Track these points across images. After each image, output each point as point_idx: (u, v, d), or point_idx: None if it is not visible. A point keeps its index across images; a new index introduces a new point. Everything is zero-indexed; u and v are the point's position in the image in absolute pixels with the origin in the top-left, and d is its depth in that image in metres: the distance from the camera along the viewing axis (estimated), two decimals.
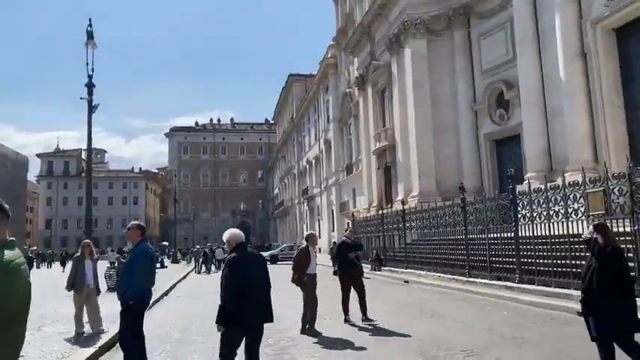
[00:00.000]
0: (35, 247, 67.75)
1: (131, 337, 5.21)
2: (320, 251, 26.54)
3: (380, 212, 23.93)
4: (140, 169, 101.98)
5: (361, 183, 34.30)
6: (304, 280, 8.23)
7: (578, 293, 10.06)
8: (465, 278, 13.94)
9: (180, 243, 73.33)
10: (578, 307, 9.34)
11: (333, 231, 44.18)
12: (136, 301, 5.17)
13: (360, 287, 9.11)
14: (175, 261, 42.08)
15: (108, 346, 7.31)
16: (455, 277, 14.51)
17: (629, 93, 16.01)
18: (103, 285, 14.08)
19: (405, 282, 16.63)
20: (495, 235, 13.04)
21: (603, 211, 9.35)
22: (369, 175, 32.02)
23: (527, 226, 11.82)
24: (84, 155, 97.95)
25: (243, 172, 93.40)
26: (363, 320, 8.77)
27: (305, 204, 57.16)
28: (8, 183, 77.67)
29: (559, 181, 11.17)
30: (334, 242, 29.96)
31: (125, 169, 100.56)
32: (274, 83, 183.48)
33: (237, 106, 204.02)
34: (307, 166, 56.99)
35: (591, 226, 4.63)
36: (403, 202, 20.84)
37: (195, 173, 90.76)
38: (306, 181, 57.63)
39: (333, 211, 45.03)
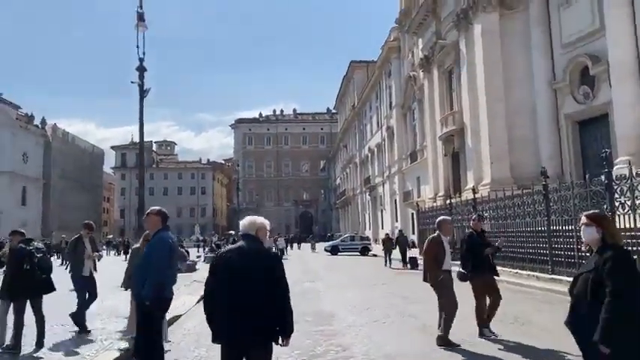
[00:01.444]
0: (111, 236, 71.46)
1: (146, 345, 4.37)
2: (377, 242, 25.33)
3: (447, 202, 22.27)
4: (208, 160, 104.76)
5: (426, 171, 32.56)
6: (441, 278, 6.48)
7: None
8: (547, 275, 12.26)
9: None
10: None
11: (397, 221, 42.68)
12: (153, 301, 4.31)
13: (496, 294, 6.96)
14: None
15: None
16: (535, 273, 12.85)
17: None
18: None
19: None
20: None
21: None
22: (435, 162, 30.24)
23: (625, 217, 10.02)
24: (154, 147, 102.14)
25: (306, 161, 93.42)
26: (480, 335, 6.82)
27: (367, 194, 55.88)
28: (86, 174, 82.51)
29: None
30: (400, 231, 28.81)
31: (194, 160, 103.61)
32: (337, 72, 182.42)
33: (300, 97, 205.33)
34: (369, 154, 55.58)
35: (583, 217, 3.23)
36: (474, 191, 19.13)
37: (259, 164, 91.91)
38: (368, 170, 56.29)
39: (396, 200, 43.49)
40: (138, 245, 7.38)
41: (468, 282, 6.92)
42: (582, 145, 20.80)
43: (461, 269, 6.86)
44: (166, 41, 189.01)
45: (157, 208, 4.93)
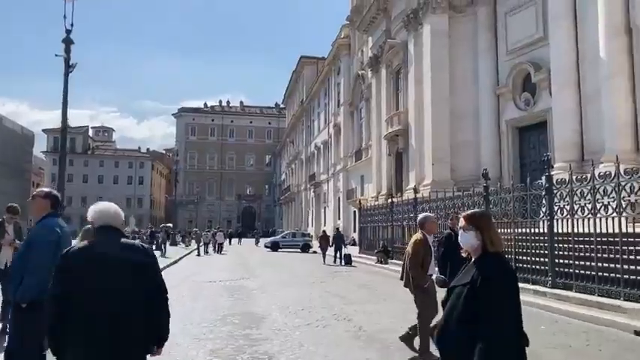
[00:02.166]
0: None
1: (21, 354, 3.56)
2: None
3: (389, 201, 22.15)
4: (148, 149, 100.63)
5: (370, 170, 32.53)
6: (427, 285, 5.63)
7: (632, 305, 8.33)
8: None
9: (185, 225, 72.44)
10: (632, 323, 7.62)
11: (339, 219, 42.54)
12: (30, 304, 3.50)
13: None
14: (174, 243, 40.68)
15: None
16: None
17: None
18: None
19: None
20: (523, 231, 11.24)
21: None
22: (379, 161, 30.21)
23: (564, 221, 10.01)
24: (91, 132, 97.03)
25: (251, 156, 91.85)
26: None
27: (311, 190, 55.50)
28: (13, 157, 76.89)
29: (595, 172, 9.36)
30: (337, 229, 28.46)
31: (132, 148, 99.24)
32: (287, 66, 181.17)
33: (248, 90, 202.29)
34: (315, 151, 55.20)
35: (461, 218, 2.56)
36: (415, 191, 19.03)
37: (202, 155, 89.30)
38: (314, 167, 55.92)
39: (339, 198, 43.33)
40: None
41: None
42: (521, 151, 21.25)
43: (439, 274, 5.85)
44: (113, 23, 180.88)
45: (47, 189, 4.09)
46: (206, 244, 32.08)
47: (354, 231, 34.19)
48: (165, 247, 27.20)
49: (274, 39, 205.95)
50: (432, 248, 5.85)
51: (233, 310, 8.92)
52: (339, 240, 22.65)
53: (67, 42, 13.21)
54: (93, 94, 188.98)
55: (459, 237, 2.54)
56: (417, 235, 5.89)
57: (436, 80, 23.10)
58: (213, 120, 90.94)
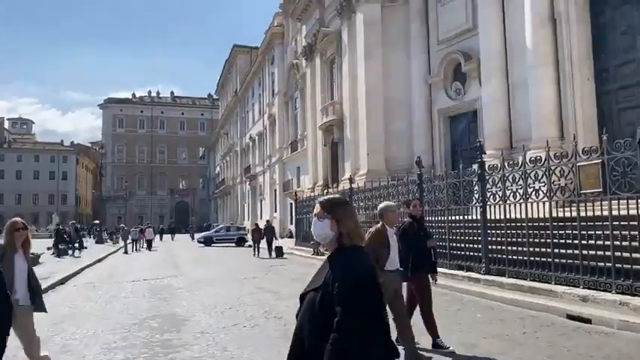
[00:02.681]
0: None
1: None
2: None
3: (325, 192, 21.82)
4: (72, 142, 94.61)
5: (306, 161, 32.09)
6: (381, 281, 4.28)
7: (563, 289, 8.38)
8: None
9: (115, 222, 68.81)
10: (564, 307, 7.62)
11: (276, 212, 41.89)
12: None
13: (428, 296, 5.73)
14: (100, 241, 38.41)
15: None
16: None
17: (601, 65, 14.56)
18: None
19: None
20: (457, 218, 11.17)
21: (600, 189, 7.57)
22: (315, 152, 29.84)
23: (496, 207, 9.99)
24: (6, 124, 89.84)
25: (184, 148, 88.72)
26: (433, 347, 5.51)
27: (247, 183, 54.37)
28: None
29: (520, 159, 9.42)
30: (267, 221, 27.76)
31: (54, 141, 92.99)
32: (220, 57, 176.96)
33: (180, 82, 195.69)
34: (250, 142, 54.03)
35: (317, 204, 2.07)
36: (351, 181, 18.78)
37: (130, 148, 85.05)
38: (249, 159, 54.76)
39: (275, 190, 42.64)
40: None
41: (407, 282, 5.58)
42: (453, 140, 21.55)
43: (399, 267, 5.22)
44: (30, 11, 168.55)
45: None
46: (134, 241, 30.47)
47: (291, 223, 33.69)
48: (76, 246, 24.87)
49: (208, 28, 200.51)
50: (394, 240, 5.16)
51: (153, 312, 8.11)
52: (270, 232, 22.98)
53: None
54: (11, 87, 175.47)
55: (312, 225, 2.05)
56: (375, 227, 5.22)
57: (369, 69, 22.94)
58: (142, 111, 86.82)
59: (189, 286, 11.40)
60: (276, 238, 23.52)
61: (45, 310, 4.35)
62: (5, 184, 79.93)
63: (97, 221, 63.76)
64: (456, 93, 20.84)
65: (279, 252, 21.72)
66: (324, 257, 2.00)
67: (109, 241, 39.75)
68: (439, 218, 11.73)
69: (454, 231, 11.17)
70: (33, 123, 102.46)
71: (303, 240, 23.43)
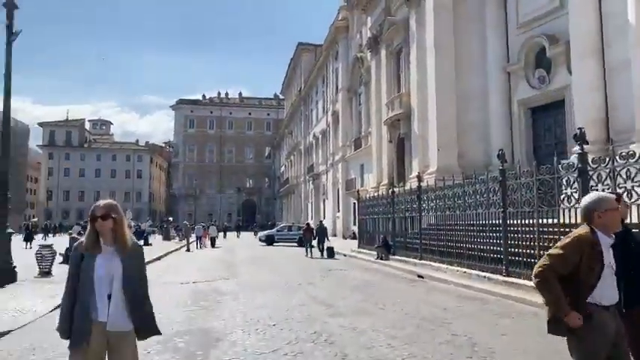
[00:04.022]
0: (36, 219, 65.28)
1: None
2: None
3: (390, 191, 20.22)
4: (147, 142, 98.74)
5: (370, 159, 30.59)
6: (579, 320, 3.02)
7: None
8: (501, 278, 10.29)
9: (185, 219, 70.72)
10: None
11: (339, 211, 40.68)
12: None
13: None
14: (167, 237, 38.99)
15: None
16: (486, 274, 10.85)
17: None
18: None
19: (419, 277, 13.05)
20: (548, 221, 9.33)
21: None
22: (379, 149, 28.28)
23: None
24: (87, 125, 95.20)
25: (251, 148, 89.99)
26: None
27: (310, 182, 53.57)
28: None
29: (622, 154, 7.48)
30: (320, 221, 26.90)
31: (129, 141, 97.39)
32: (285, 56, 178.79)
33: (247, 82, 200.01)
34: (314, 141, 53.21)
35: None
36: (419, 179, 17.10)
37: (201, 148, 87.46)
38: (313, 158, 53.96)
39: (338, 189, 41.42)
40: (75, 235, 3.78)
41: None
42: (535, 134, 19.33)
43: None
44: (115, 19, 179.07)
45: None
46: (199, 238, 30.51)
47: (354, 224, 32.31)
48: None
49: (275, 29, 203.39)
50: (610, 256, 3.03)
51: (186, 326, 7.06)
52: (322, 233, 22.78)
53: (10, 6, 11.32)
54: (95, 91, 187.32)
55: None
56: (579, 231, 3.10)
57: (440, 59, 21.13)
58: (211, 112, 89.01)
59: (237, 292, 10.35)
60: (327, 239, 23.43)
61: (157, 332, 3.08)
62: (85, 181, 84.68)
63: (170, 218, 65.71)
64: (539, 81, 18.58)
65: (331, 253, 21.63)
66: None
67: (176, 237, 40.27)
68: (526, 221, 9.93)
69: (545, 237, 9.33)
70: (111, 124, 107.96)
71: (367, 242, 21.94)
